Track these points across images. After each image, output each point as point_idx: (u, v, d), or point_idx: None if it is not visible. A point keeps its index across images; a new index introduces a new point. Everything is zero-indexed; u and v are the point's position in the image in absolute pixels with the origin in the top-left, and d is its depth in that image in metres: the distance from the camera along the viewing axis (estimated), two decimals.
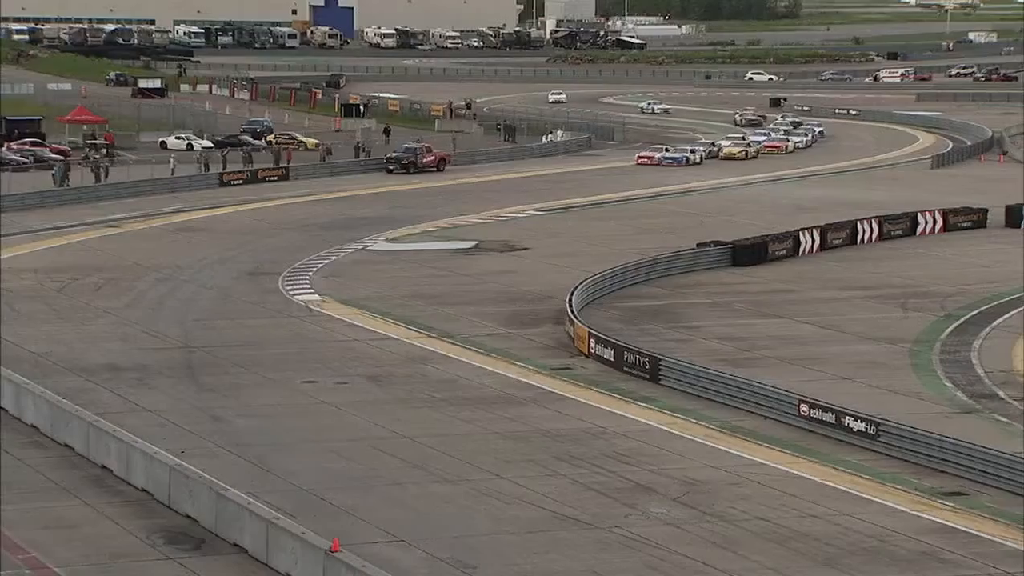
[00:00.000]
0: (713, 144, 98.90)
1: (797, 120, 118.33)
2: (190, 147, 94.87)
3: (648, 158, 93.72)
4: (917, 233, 67.98)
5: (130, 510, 29.37)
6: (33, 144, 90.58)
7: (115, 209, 71.08)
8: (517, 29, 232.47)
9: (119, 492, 30.42)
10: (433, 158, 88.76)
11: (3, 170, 78.32)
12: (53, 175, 77.63)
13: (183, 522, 28.57)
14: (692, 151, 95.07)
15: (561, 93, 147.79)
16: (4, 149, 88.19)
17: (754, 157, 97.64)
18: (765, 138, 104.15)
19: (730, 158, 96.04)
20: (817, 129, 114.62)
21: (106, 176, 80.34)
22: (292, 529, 26.17)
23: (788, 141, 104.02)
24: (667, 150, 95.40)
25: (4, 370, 37.11)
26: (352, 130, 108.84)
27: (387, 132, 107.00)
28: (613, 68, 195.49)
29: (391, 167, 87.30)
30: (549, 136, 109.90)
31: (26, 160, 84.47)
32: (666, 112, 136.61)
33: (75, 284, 53.08)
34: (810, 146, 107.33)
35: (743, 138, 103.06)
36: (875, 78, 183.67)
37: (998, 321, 49.51)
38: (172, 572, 26.45)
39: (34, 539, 27.64)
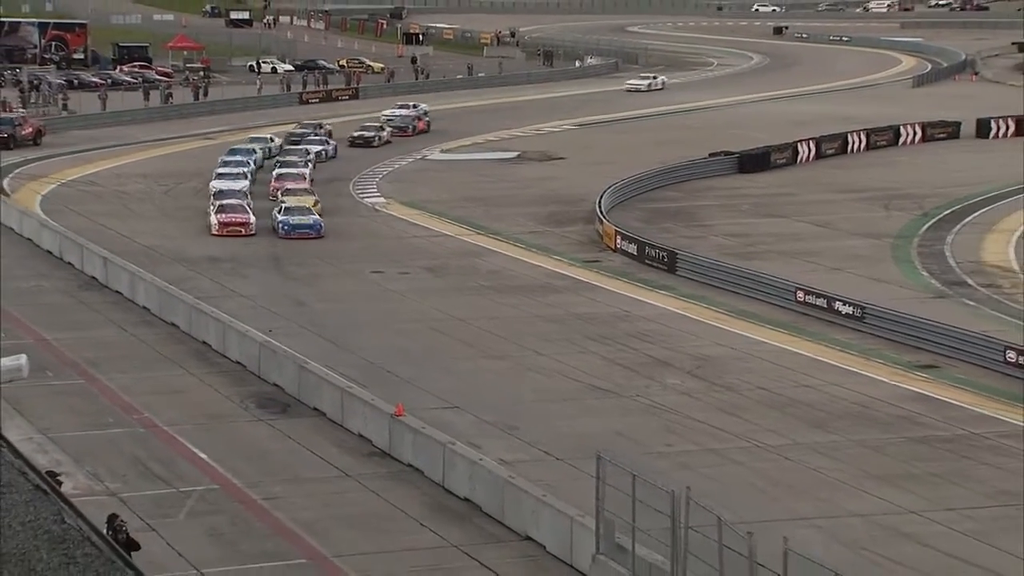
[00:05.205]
0: None
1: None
2: (274, 70, 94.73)
3: None
4: (900, 143, 67.20)
5: (226, 379, 29.61)
6: (141, 67, 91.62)
7: (211, 123, 70.99)
8: None
9: (216, 364, 30.66)
10: (31, 130, 63.35)
11: (117, 89, 78.56)
12: (160, 92, 77.49)
13: (271, 389, 28.77)
14: None
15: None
16: (117, 71, 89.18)
17: None
18: None
19: None
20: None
21: (205, 95, 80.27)
22: (363, 396, 26.35)
23: None
24: None
25: (121, 260, 37.37)
26: (411, 55, 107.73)
27: (414, 61, 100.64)
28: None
29: None
30: (581, 61, 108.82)
31: (135, 81, 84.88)
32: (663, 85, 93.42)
33: (179, 188, 53.15)
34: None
35: None
36: (865, 8, 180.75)
37: (968, 219, 49.05)
38: (262, 431, 26.70)
39: (147, 402, 27.92)
